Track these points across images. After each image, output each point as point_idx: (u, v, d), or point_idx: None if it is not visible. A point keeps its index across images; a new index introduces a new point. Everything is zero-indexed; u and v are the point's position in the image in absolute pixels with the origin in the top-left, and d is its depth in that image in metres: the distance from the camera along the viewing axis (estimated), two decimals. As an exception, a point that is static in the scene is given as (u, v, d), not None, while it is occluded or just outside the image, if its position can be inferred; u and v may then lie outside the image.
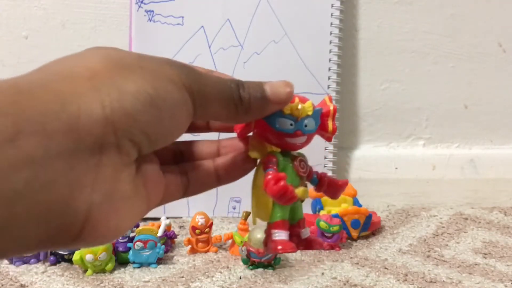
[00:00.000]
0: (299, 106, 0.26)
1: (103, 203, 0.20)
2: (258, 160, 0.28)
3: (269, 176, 0.25)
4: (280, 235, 0.27)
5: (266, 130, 0.27)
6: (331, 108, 0.28)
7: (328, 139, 0.29)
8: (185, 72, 0.23)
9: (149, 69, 0.22)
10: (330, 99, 0.29)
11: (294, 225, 0.28)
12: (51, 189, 0.18)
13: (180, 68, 0.23)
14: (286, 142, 0.27)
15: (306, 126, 0.27)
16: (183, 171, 0.27)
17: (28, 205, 0.18)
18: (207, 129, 0.30)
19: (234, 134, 0.29)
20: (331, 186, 0.29)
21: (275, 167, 0.26)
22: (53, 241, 0.20)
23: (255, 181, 0.28)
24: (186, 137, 0.28)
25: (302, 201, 0.28)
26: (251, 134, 0.28)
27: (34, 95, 0.19)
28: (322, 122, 0.28)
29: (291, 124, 0.26)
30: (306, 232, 0.28)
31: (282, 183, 0.25)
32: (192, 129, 0.29)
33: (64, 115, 0.19)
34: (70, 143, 0.19)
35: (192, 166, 0.28)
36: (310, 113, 0.27)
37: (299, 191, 0.27)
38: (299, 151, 0.28)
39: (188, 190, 0.27)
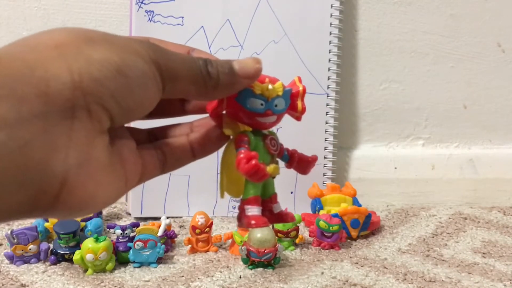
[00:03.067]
0: (270, 87, 0.27)
1: (79, 167, 0.21)
2: (231, 137, 0.29)
3: (241, 155, 0.26)
4: (253, 210, 0.28)
5: (237, 109, 0.28)
6: (301, 88, 0.29)
7: (298, 119, 0.30)
8: (152, 48, 0.23)
9: (116, 43, 0.22)
10: (300, 80, 0.30)
11: (266, 200, 0.29)
12: (27, 150, 0.19)
13: (147, 44, 0.23)
14: (257, 121, 0.28)
15: (276, 106, 0.28)
16: (159, 148, 0.28)
17: (6, 166, 0.19)
18: (182, 111, 0.30)
19: (207, 116, 0.30)
20: (301, 162, 0.31)
21: (246, 146, 0.27)
22: (33, 206, 0.20)
23: (226, 159, 0.29)
24: (160, 124, 0.30)
25: (274, 177, 0.29)
26: (223, 113, 0.29)
27: (2, 63, 0.19)
28: (292, 102, 0.29)
29: (262, 104, 0.27)
30: (278, 207, 0.30)
31: (253, 161, 0.26)
32: (168, 112, 0.30)
33: (34, 79, 0.19)
34: (41, 106, 0.19)
35: (167, 143, 0.28)
36: (280, 93, 0.28)
37: (270, 168, 0.28)
38: (270, 129, 0.29)
39: (166, 166, 0.28)
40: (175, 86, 0.24)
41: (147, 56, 0.23)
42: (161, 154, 0.28)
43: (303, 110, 0.30)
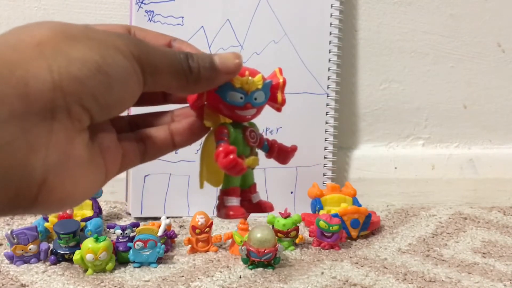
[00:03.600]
0: (249, 80, 0.27)
1: (58, 167, 0.21)
2: (211, 128, 0.29)
3: (220, 149, 0.26)
4: (232, 201, 0.29)
5: (217, 102, 0.28)
6: (281, 80, 0.30)
7: (278, 110, 0.31)
8: (133, 42, 0.23)
9: (96, 39, 0.22)
10: (281, 71, 0.30)
11: (245, 190, 0.30)
12: (6, 151, 0.19)
13: (128, 39, 0.23)
14: (237, 114, 0.28)
15: (256, 99, 0.28)
16: (139, 138, 0.28)
17: None
18: (164, 101, 0.31)
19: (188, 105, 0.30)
20: (280, 152, 0.31)
21: (226, 139, 0.28)
22: (12, 205, 0.20)
23: (206, 149, 0.30)
24: (143, 111, 0.30)
25: (253, 168, 0.30)
26: (204, 104, 0.29)
27: None
28: (272, 94, 0.29)
29: (241, 98, 0.28)
30: (257, 197, 0.30)
31: (231, 156, 0.26)
32: (150, 101, 0.30)
33: (13, 80, 0.19)
34: (20, 107, 0.19)
35: (148, 132, 0.28)
36: (260, 86, 0.28)
37: (249, 160, 0.28)
38: (251, 121, 0.30)
39: (146, 156, 0.28)
40: (156, 80, 0.24)
41: (127, 51, 0.23)
42: (141, 144, 0.28)
43: (283, 102, 0.30)
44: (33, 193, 0.20)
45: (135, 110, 0.29)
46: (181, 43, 0.29)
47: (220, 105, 0.28)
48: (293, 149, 0.31)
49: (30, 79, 0.19)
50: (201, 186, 0.30)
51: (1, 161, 0.19)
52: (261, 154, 0.31)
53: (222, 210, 0.29)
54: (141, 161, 0.28)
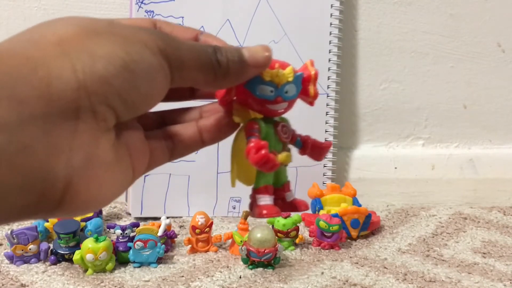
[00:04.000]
0: (279, 73, 0.26)
1: (82, 168, 0.20)
2: (241, 124, 0.28)
3: (251, 144, 0.25)
4: (265, 200, 0.27)
5: (247, 96, 0.27)
6: (313, 72, 0.28)
7: (311, 104, 0.29)
8: (160, 37, 0.22)
9: (121, 34, 0.21)
10: (312, 64, 0.29)
11: (279, 188, 0.29)
12: (27, 154, 0.18)
13: (154, 33, 0.22)
14: (267, 108, 0.27)
15: (286, 92, 0.27)
16: (167, 135, 0.27)
17: (5, 171, 0.18)
18: (191, 96, 0.30)
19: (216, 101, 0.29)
20: (314, 149, 0.30)
21: (257, 134, 0.27)
22: (35, 209, 0.20)
23: (237, 146, 0.29)
24: (170, 106, 0.29)
25: (286, 165, 0.28)
26: (233, 99, 0.28)
27: (3, 61, 0.18)
28: (303, 87, 0.28)
29: (272, 91, 0.26)
30: (290, 195, 0.29)
31: (263, 152, 0.25)
32: (177, 97, 0.29)
33: (35, 79, 0.18)
34: (42, 108, 0.18)
35: (176, 129, 0.27)
36: (290, 79, 0.27)
37: (281, 156, 0.27)
38: (282, 116, 0.29)
39: (174, 153, 0.27)
40: (184, 75, 0.23)
41: (155, 46, 0.22)
42: (169, 141, 0.27)
43: (316, 95, 0.29)
44: (56, 196, 0.20)
45: (161, 106, 0.28)
46: (208, 36, 0.28)
47: (250, 99, 0.27)
48: (328, 145, 0.30)
49: (53, 79, 0.19)
50: (233, 184, 0.29)
51: (23, 164, 0.18)
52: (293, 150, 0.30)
53: (255, 209, 0.27)
54: (169, 158, 0.27)
